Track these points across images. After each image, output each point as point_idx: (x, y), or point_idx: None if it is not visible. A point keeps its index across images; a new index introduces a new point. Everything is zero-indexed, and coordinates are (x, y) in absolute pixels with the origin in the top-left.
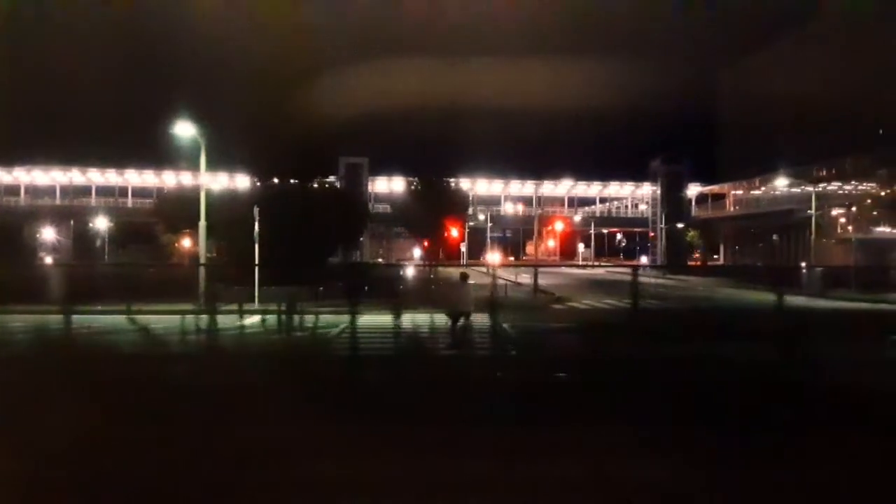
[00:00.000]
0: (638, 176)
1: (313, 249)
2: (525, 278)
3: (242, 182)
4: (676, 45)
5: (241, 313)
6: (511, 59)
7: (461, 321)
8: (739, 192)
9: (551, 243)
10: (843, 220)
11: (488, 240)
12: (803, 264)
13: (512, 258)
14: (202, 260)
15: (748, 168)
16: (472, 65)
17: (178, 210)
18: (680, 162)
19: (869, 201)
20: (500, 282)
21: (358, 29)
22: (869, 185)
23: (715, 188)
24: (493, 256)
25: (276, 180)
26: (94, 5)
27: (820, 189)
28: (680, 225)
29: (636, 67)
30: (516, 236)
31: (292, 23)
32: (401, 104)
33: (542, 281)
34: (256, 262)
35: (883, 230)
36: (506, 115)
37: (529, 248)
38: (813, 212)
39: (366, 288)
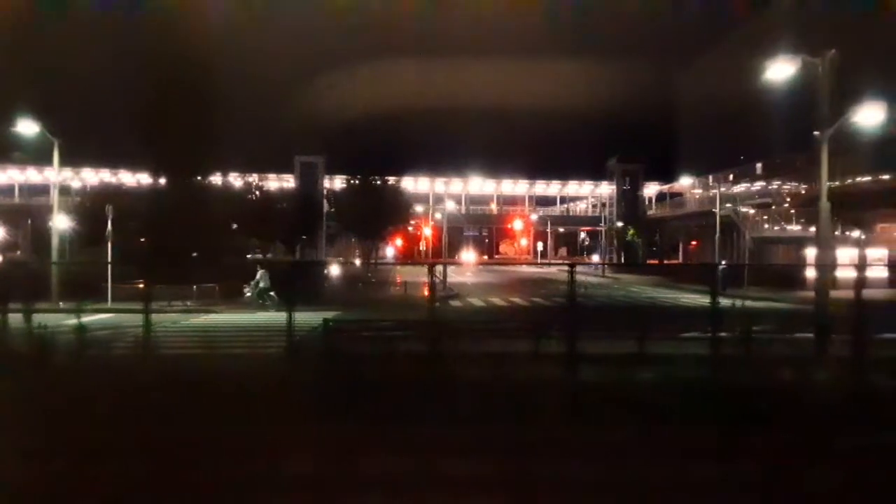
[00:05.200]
0: (600, 175)
1: (206, 248)
2: (465, 277)
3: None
4: (636, 46)
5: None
6: (475, 60)
7: None
8: (698, 190)
9: (524, 242)
10: (756, 218)
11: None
12: (724, 262)
13: (486, 257)
14: (54, 258)
15: (699, 166)
16: (433, 67)
17: (100, 209)
18: (636, 161)
19: (789, 199)
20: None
21: (320, 30)
22: (796, 183)
23: (676, 186)
24: (469, 255)
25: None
26: None
27: (743, 187)
28: (619, 224)
29: (599, 68)
30: (490, 235)
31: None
32: (366, 105)
33: (477, 279)
34: (109, 260)
35: (770, 228)
36: (468, 115)
37: (503, 248)
38: (717, 210)
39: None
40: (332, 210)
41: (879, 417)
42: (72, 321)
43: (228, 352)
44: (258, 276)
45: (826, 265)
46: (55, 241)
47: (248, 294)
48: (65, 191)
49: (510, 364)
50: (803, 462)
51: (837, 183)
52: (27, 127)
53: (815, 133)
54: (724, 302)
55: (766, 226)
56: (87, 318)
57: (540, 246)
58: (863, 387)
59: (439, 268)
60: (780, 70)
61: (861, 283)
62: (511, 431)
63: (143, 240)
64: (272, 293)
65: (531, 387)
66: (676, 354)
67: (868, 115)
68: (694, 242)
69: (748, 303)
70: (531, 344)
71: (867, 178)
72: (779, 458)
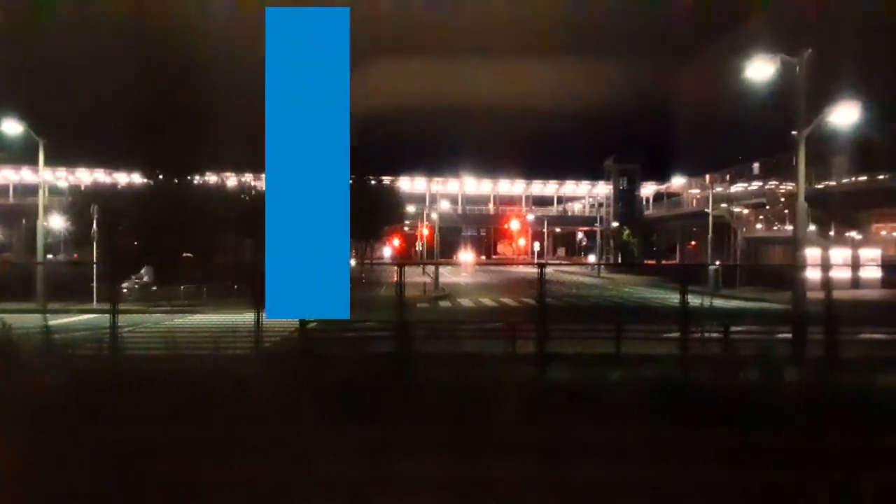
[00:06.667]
0: (597, 175)
1: (197, 248)
2: (460, 277)
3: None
4: (633, 46)
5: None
6: (472, 60)
7: None
8: (696, 190)
9: (522, 242)
10: (750, 218)
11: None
12: (717, 262)
13: (484, 257)
14: (40, 258)
15: (697, 166)
16: (430, 67)
17: (86, 209)
18: (633, 161)
19: (783, 199)
20: (421, 279)
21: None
22: (792, 183)
23: (673, 186)
24: (467, 255)
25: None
26: None
27: (740, 187)
28: (616, 224)
29: (597, 68)
30: (488, 235)
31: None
32: (362, 103)
33: (472, 279)
34: (94, 260)
35: (764, 228)
36: (465, 115)
37: (501, 248)
38: (710, 211)
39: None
40: None
41: (839, 419)
42: (55, 321)
43: (200, 353)
44: (142, 271)
45: (801, 265)
46: (40, 242)
47: (125, 290)
48: (59, 191)
49: (483, 364)
50: (759, 463)
51: (834, 182)
52: (11, 126)
53: (793, 133)
54: (694, 301)
55: (759, 226)
56: (72, 319)
57: (537, 246)
58: (830, 387)
59: (431, 268)
60: (760, 69)
61: (829, 283)
62: (470, 432)
63: (135, 241)
64: (154, 289)
65: (499, 387)
66: (650, 354)
67: (843, 115)
68: (693, 243)
69: (735, 303)
70: (509, 344)
71: (863, 178)
72: (734, 458)
